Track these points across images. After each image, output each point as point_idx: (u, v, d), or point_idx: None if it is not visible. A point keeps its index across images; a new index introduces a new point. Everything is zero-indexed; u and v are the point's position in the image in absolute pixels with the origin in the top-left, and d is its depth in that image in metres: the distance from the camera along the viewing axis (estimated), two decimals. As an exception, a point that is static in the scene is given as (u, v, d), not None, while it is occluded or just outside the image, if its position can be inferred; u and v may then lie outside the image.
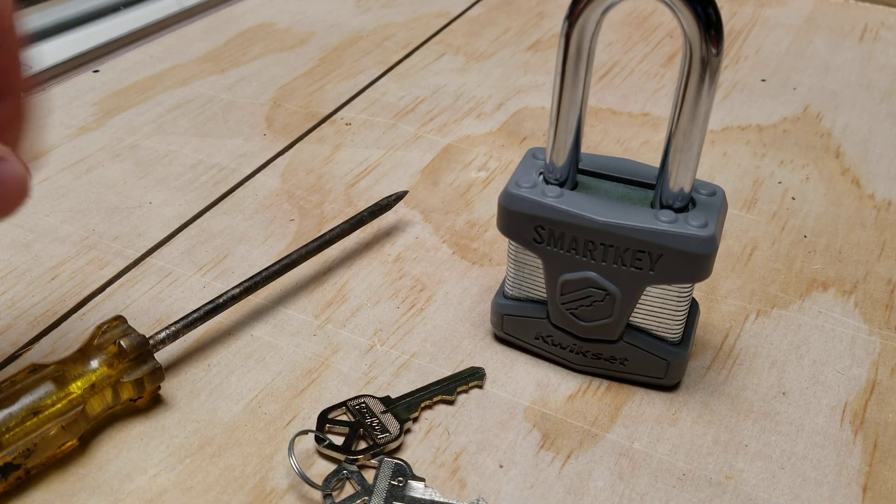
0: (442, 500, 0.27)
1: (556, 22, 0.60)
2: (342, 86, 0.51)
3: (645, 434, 0.29)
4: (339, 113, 0.48)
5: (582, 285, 0.29)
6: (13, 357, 0.32)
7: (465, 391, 0.31)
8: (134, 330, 0.28)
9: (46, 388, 0.26)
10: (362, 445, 0.28)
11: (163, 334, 0.30)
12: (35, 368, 0.27)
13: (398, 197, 0.38)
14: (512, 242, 0.30)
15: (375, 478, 0.27)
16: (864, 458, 0.29)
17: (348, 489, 0.27)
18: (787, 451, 0.29)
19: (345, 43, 0.56)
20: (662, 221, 0.27)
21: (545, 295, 0.30)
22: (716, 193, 0.29)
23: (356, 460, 0.28)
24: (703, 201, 0.29)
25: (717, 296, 0.35)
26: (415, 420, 0.29)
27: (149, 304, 0.34)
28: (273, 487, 0.27)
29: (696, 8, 0.25)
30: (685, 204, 0.28)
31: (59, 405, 0.26)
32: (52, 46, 0.54)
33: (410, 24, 0.59)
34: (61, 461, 0.28)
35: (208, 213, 0.40)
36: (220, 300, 0.31)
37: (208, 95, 0.49)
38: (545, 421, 0.30)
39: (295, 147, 0.45)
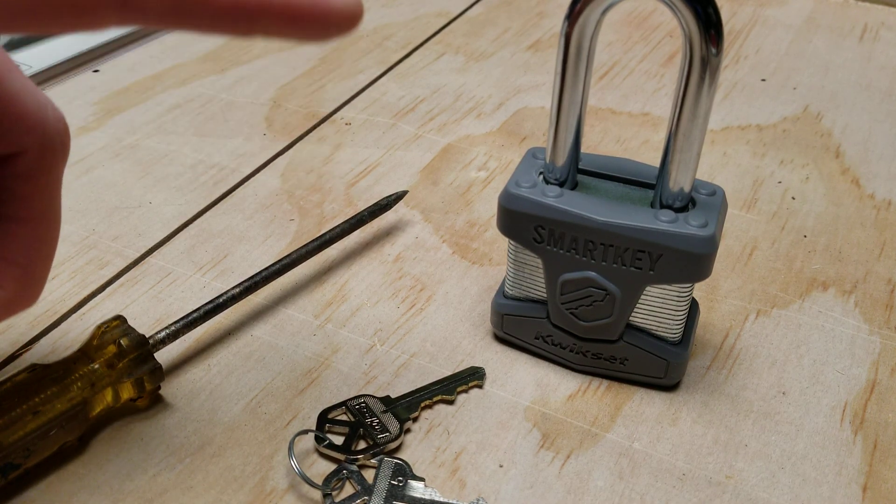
0: (442, 499, 0.27)
1: (556, 22, 0.60)
2: (342, 86, 0.51)
3: (645, 434, 0.29)
4: (339, 113, 0.48)
5: (582, 285, 0.29)
6: (13, 357, 0.32)
7: (465, 391, 0.31)
8: (134, 330, 0.28)
9: (46, 388, 0.26)
10: (362, 445, 0.28)
11: (163, 334, 0.30)
12: (35, 368, 0.27)
13: (398, 197, 0.38)
14: (512, 242, 0.30)
15: (375, 478, 0.27)
16: (864, 457, 0.29)
17: (348, 489, 0.27)
18: (787, 450, 0.29)
19: (345, 43, 0.56)
20: (662, 221, 0.27)
21: (545, 295, 0.30)
22: (716, 193, 0.29)
23: (356, 460, 0.28)
24: (703, 201, 0.29)
25: (717, 296, 0.35)
26: (415, 420, 0.29)
27: (149, 304, 0.34)
28: (273, 487, 0.27)
29: (696, 7, 0.25)
30: (685, 204, 0.28)
31: (58, 405, 0.26)
32: (52, 46, 0.54)
33: (410, 23, 0.59)
34: (61, 461, 0.28)
35: (208, 213, 0.40)
36: (220, 300, 0.31)
37: (208, 95, 0.49)
38: (545, 421, 0.30)
39: (295, 147, 0.45)
